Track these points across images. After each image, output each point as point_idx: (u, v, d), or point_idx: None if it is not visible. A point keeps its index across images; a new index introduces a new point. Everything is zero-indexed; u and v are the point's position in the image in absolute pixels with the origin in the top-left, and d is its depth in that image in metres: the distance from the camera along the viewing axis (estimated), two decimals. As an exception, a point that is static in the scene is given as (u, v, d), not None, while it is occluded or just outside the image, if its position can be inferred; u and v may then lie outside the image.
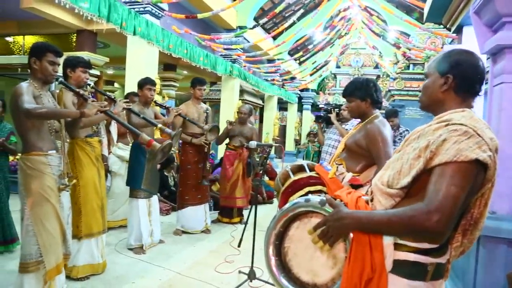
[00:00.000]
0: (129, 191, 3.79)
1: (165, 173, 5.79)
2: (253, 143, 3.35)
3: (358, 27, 10.34)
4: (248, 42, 8.15)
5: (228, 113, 8.39)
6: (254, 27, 8.37)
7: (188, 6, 7.44)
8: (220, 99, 8.94)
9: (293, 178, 2.08)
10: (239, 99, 9.00)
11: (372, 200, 1.23)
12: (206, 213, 4.60)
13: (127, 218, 3.91)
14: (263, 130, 13.16)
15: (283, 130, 16.40)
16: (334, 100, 12.86)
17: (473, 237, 1.18)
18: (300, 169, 2.16)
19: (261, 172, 5.08)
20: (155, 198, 3.96)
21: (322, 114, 4.63)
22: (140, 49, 5.24)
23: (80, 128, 2.89)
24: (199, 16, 5.95)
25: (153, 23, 5.07)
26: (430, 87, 1.24)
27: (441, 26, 5.02)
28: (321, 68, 13.56)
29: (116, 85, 14.76)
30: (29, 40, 7.04)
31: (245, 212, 5.20)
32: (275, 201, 6.38)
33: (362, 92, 2.20)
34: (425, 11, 4.13)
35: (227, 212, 5.11)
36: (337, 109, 4.26)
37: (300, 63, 13.83)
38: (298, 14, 8.19)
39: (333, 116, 4.23)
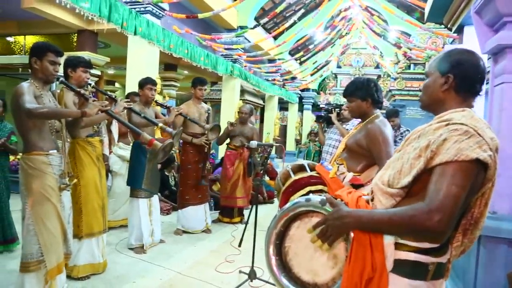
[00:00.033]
0: (130, 190, 3.79)
1: (166, 173, 5.79)
2: (253, 143, 3.35)
3: (359, 27, 10.34)
4: (249, 42, 8.15)
5: (228, 113, 8.40)
6: (255, 27, 8.37)
7: (189, 6, 7.44)
8: (220, 99, 8.94)
9: (294, 177, 2.08)
10: (240, 99, 9.00)
11: (372, 199, 1.23)
12: (206, 213, 4.61)
13: (128, 217, 3.91)
14: (264, 130, 13.17)
15: (283, 130, 16.40)
16: (334, 100, 12.88)
17: (474, 236, 1.18)
18: (300, 168, 2.16)
19: (261, 172, 5.08)
20: (155, 198, 3.96)
21: (322, 114, 4.63)
22: (141, 49, 5.24)
23: (81, 127, 2.89)
24: (200, 16, 5.95)
25: (154, 23, 5.07)
26: (430, 86, 1.24)
27: (442, 26, 5.02)
28: (321, 68, 13.57)
29: (117, 85, 14.79)
30: (30, 40, 7.05)
31: (246, 212, 5.20)
32: (276, 201, 6.37)
33: (363, 92, 2.19)
34: (426, 11, 4.13)
35: (227, 212, 5.11)
36: (338, 109, 4.26)
37: (300, 63, 13.84)
38: (299, 14, 8.19)
39: (333, 116, 4.22)
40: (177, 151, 6.04)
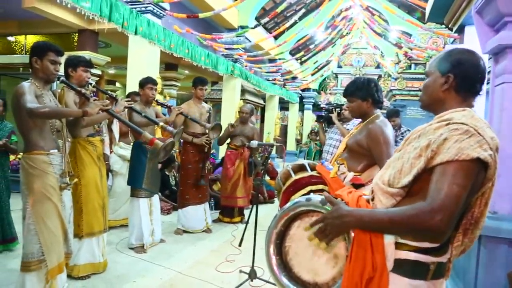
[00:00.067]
0: (130, 190, 3.79)
1: (166, 173, 5.80)
2: (254, 143, 3.35)
3: (360, 26, 10.33)
4: (250, 41, 8.15)
5: (229, 113, 8.40)
6: (255, 26, 8.36)
7: (190, 6, 7.44)
8: (221, 98, 8.95)
9: (295, 177, 2.08)
10: (241, 99, 9.00)
11: (373, 199, 1.23)
12: (206, 212, 4.61)
13: (128, 217, 3.91)
14: (265, 130, 13.17)
15: (284, 129, 16.40)
16: (335, 100, 12.88)
17: (474, 236, 1.18)
18: (301, 168, 2.15)
19: (262, 171, 5.08)
20: (156, 198, 3.96)
21: (323, 114, 4.61)
22: (142, 48, 5.24)
23: (82, 127, 2.89)
24: (201, 15, 5.95)
25: (155, 22, 5.08)
26: (430, 86, 1.23)
27: (443, 26, 5.02)
28: (322, 67, 13.57)
29: (117, 84, 14.81)
30: (31, 40, 7.06)
31: (246, 212, 5.20)
32: (276, 201, 6.37)
33: (363, 92, 2.19)
34: (427, 11, 4.13)
35: (228, 212, 5.11)
36: (339, 109, 4.26)
37: (301, 63, 13.85)
38: (300, 13, 8.18)
39: (334, 116, 4.22)
40: (177, 150, 6.04)
